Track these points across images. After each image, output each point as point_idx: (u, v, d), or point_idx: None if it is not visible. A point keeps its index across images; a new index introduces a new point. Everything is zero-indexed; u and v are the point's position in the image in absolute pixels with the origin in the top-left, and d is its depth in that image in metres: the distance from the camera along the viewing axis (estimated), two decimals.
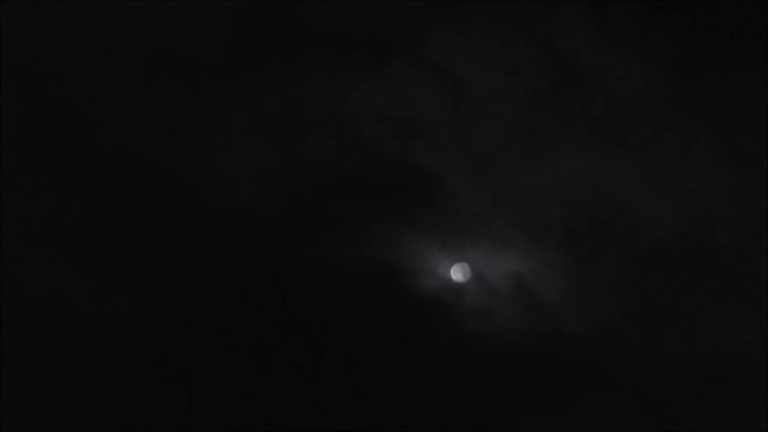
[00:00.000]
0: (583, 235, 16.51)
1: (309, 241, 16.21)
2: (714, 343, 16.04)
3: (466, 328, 16.13)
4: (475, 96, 16.90)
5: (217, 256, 16.07)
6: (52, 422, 15.26)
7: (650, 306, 16.24)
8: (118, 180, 16.15)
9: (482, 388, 15.84)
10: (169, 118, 16.46)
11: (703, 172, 16.67)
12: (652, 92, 16.89)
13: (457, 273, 16.27)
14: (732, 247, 16.39)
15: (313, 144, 16.57)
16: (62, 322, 15.58)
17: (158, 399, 15.43)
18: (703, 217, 16.57)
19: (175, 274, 15.94)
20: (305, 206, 16.36)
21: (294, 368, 15.78)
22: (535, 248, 16.43)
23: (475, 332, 16.11)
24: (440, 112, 16.82)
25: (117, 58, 16.49)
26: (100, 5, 16.43)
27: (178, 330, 15.72)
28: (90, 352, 15.55)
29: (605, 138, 16.76)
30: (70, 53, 16.41)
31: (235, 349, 15.79)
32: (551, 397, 15.81)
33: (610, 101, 16.86)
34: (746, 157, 16.63)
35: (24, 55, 16.21)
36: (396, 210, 16.42)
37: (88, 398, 15.39)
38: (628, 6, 16.89)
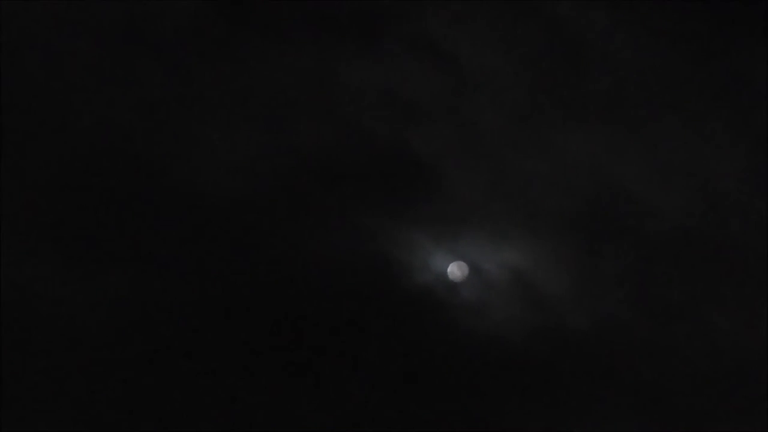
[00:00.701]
0: (586, 226, 16.03)
1: (296, 233, 15.78)
2: (725, 340, 15.56)
3: (461, 325, 15.66)
4: (473, 77, 16.44)
5: (199, 249, 15.65)
6: (35, 420, 14.97)
7: (657, 300, 15.74)
8: (95, 170, 15.74)
9: (479, 388, 15.39)
10: (149, 103, 16.02)
11: (714, 158, 16.15)
12: (660, 74, 16.41)
13: (455, 272, 15.82)
14: (745, 237, 15.86)
15: (302, 129, 16.12)
16: (43, 319, 15.25)
17: (144, 396, 15.10)
18: (714, 205, 16.05)
19: (156, 267, 15.57)
20: (292, 195, 15.93)
21: (281, 365, 15.33)
22: (536, 240, 15.97)
23: (472, 329, 15.63)
24: (436, 94, 16.37)
25: (92, 36, 16.04)
26: None
27: (160, 325, 15.34)
28: (72, 350, 15.18)
29: (610, 122, 16.31)
30: (44, 36, 16.02)
31: (220, 346, 15.35)
32: (552, 397, 15.37)
33: (616, 83, 16.40)
34: (761, 141, 16.05)
35: None
36: (388, 199, 15.99)
37: (72, 396, 15.10)
38: None
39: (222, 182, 15.79)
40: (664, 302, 15.72)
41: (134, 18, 16.09)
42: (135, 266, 15.43)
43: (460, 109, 16.28)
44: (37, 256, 15.27)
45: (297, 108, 16.15)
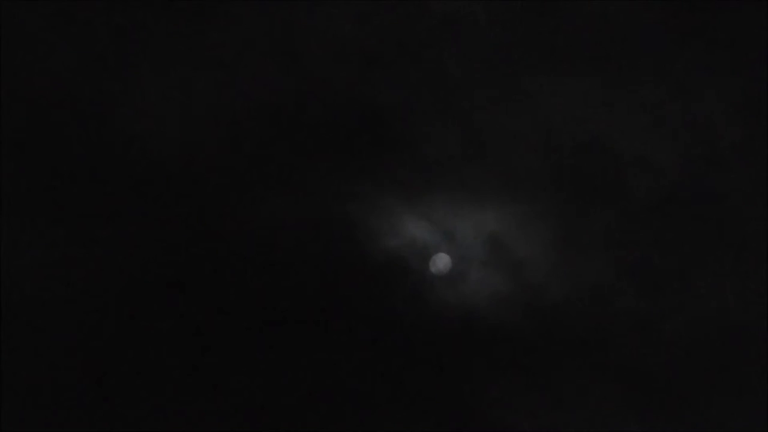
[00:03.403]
0: (568, 186, 15.30)
1: (252, 194, 15.20)
2: (721, 312, 14.89)
3: (433, 296, 15.07)
4: (444, 22, 15.60)
5: (140, 211, 15.09)
6: None
7: (646, 268, 15.04)
8: (28, 120, 15.18)
9: (450, 362, 14.86)
10: (88, 46, 15.38)
11: (707, 110, 15.35)
12: (648, 17, 15.56)
13: (437, 265, 15.20)
14: (743, 198, 15.15)
15: (255, 78, 15.47)
16: None
17: (83, 372, 14.67)
18: (708, 162, 15.27)
19: (93, 230, 14.98)
20: (247, 153, 15.31)
21: (234, 341, 14.81)
22: (514, 201, 15.27)
23: (445, 301, 15.05)
24: (406, 45, 15.55)
25: None
26: None
27: (98, 296, 14.80)
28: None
29: (594, 73, 15.50)
30: None
31: (164, 321, 14.84)
32: (529, 374, 14.83)
33: (599, 30, 15.53)
34: (758, 90, 15.28)
35: None
36: (353, 157, 15.33)
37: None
38: None
39: (172, 138, 15.22)
40: (653, 270, 15.07)
41: None
42: (83, 226, 14.92)
43: (431, 61, 15.55)
44: None
45: (253, 58, 15.50)
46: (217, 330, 14.74)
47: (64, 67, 15.23)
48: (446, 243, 15.20)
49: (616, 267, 15.04)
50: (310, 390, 14.62)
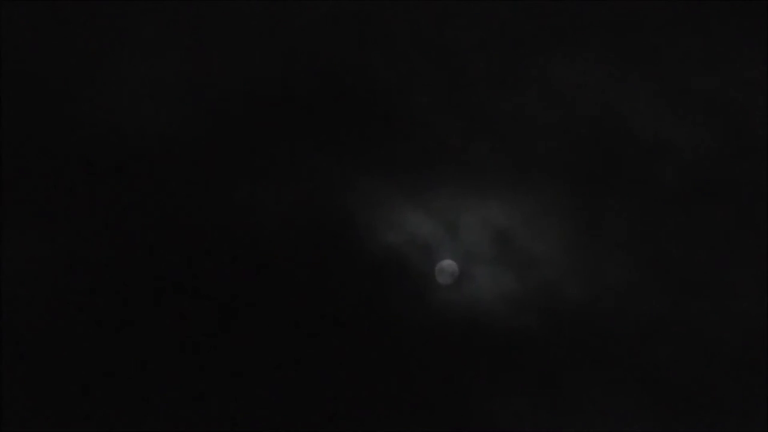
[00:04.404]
0: (585, 175, 14.88)
1: (235, 183, 14.84)
2: (754, 315, 14.16)
3: (436, 295, 14.62)
4: None
5: (113, 199, 14.77)
6: None
7: (671, 266, 14.45)
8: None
9: (458, 372, 14.36)
10: (55, 18, 15.09)
11: (740, 88, 14.75)
12: None
13: (444, 274, 14.69)
14: None
15: (238, 52, 15.21)
16: None
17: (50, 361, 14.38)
18: (741, 147, 14.64)
19: (60, 219, 14.67)
20: (230, 137, 14.98)
21: (227, 342, 14.38)
22: (525, 192, 14.88)
23: (448, 300, 14.58)
24: (407, 16, 15.25)
25: None
26: None
27: (65, 289, 14.45)
28: None
29: (612, 47, 15.06)
30: None
31: (157, 320, 14.45)
32: (542, 383, 14.29)
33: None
34: None
35: None
36: (348, 142, 15.00)
37: None
38: None
39: (139, 116, 14.93)
40: (679, 268, 14.48)
41: None
42: (49, 218, 14.65)
43: (435, 35, 15.20)
44: None
45: (237, 29, 15.26)
46: (210, 331, 14.40)
47: (31, 50, 15.00)
48: (450, 239, 14.75)
49: (639, 265, 14.47)
50: (309, 391, 14.23)
